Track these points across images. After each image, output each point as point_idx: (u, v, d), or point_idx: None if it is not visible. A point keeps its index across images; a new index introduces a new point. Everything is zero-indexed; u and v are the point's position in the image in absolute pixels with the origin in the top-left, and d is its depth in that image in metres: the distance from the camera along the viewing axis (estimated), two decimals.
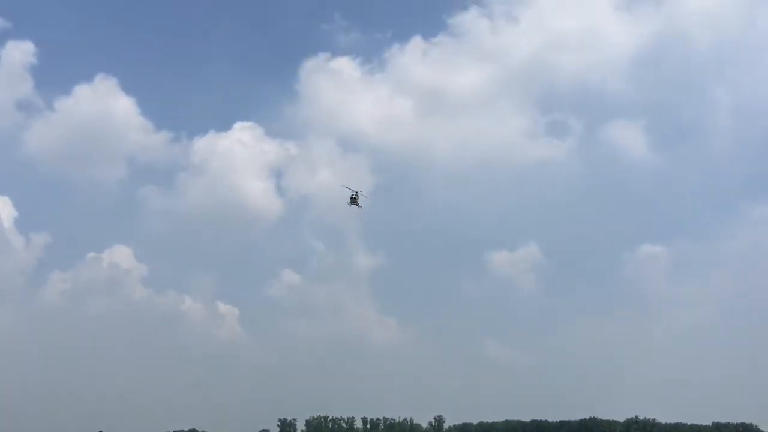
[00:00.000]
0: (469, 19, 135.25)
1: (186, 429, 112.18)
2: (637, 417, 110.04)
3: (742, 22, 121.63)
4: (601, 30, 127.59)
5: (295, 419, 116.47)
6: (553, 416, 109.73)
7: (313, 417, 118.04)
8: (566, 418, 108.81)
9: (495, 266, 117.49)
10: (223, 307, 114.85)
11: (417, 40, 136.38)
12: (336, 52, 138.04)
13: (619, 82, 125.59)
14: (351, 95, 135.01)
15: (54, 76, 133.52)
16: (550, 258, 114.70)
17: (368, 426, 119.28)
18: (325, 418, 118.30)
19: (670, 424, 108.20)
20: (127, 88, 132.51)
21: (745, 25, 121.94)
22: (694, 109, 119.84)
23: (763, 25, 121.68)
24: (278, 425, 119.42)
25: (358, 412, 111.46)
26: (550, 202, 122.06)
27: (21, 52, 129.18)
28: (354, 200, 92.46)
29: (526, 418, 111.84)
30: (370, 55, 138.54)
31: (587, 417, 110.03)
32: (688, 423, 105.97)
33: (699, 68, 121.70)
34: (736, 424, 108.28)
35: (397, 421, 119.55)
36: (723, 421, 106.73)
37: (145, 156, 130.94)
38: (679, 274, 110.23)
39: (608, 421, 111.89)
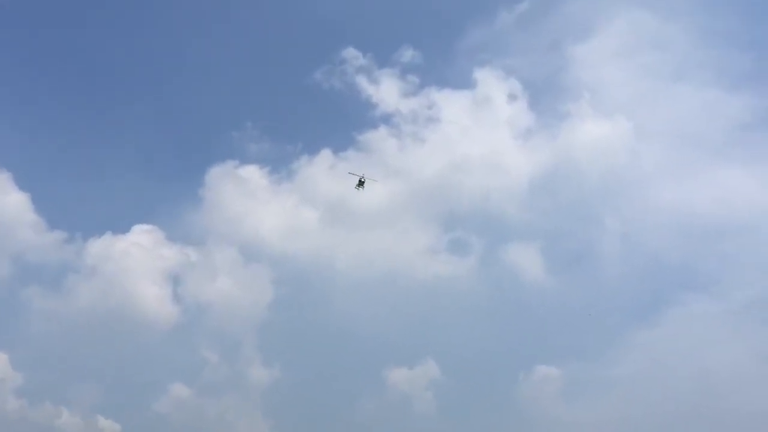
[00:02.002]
0: (378, 136, 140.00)
1: None
2: None
3: (628, 156, 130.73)
4: (501, 156, 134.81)
5: None
6: None
7: None
8: None
9: (393, 383, 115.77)
10: (103, 421, 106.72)
11: (326, 153, 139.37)
12: (244, 159, 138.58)
13: (517, 206, 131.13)
14: (257, 203, 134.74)
15: None
16: (448, 376, 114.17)
17: None
18: None
19: None
20: (22, 183, 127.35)
21: (631, 159, 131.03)
22: (586, 235, 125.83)
23: (648, 160, 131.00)
24: None
25: None
26: (449, 319, 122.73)
27: None
28: (361, 183, 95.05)
29: None
30: (279, 165, 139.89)
31: None
32: None
33: (591, 197, 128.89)
34: None
35: None
36: None
37: (34, 255, 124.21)
38: (571, 396, 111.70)
39: None
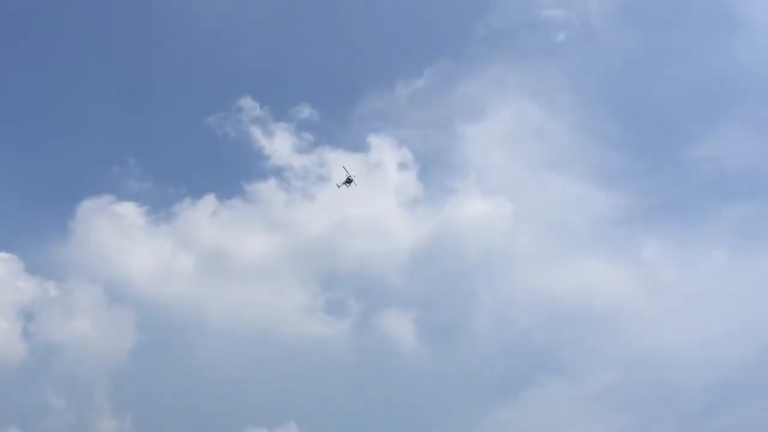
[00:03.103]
0: (266, 188, 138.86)
1: None
2: None
3: (506, 237, 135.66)
4: (387, 222, 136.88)
5: None
6: None
7: None
8: None
9: None
10: None
11: (210, 199, 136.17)
12: (122, 196, 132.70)
13: (397, 273, 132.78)
14: (129, 242, 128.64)
15: None
16: None
17: None
18: None
19: None
20: None
21: (509, 239, 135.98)
22: (461, 309, 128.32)
23: (524, 242, 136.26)
24: None
25: None
26: (317, 381, 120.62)
27: None
28: (349, 181, 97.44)
29: None
30: (159, 205, 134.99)
31: None
32: None
33: (468, 272, 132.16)
34: None
35: None
36: None
37: None
38: None
39: None
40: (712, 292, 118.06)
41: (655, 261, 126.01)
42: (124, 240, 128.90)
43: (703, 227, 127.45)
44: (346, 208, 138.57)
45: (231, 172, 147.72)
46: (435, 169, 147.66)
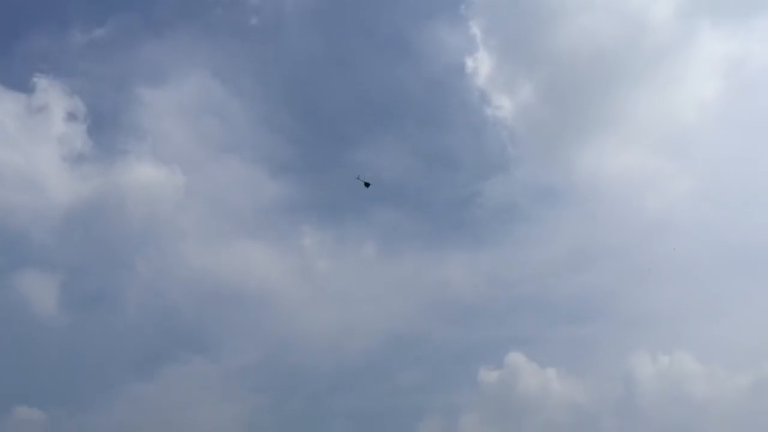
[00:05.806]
0: None
1: None
2: None
3: (173, 209, 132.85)
4: (43, 174, 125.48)
5: None
6: None
7: None
8: None
9: None
10: None
11: None
12: None
13: (46, 231, 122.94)
14: None
15: None
16: None
17: None
18: None
19: None
20: None
21: (176, 212, 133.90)
22: (113, 278, 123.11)
23: (190, 217, 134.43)
24: None
25: None
26: None
27: None
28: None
29: None
30: None
31: None
32: None
33: (127, 239, 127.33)
34: None
35: None
36: None
37: None
38: None
39: None
40: (356, 285, 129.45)
41: (311, 251, 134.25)
42: None
43: (356, 225, 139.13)
44: None
45: None
46: (109, 127, 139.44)
